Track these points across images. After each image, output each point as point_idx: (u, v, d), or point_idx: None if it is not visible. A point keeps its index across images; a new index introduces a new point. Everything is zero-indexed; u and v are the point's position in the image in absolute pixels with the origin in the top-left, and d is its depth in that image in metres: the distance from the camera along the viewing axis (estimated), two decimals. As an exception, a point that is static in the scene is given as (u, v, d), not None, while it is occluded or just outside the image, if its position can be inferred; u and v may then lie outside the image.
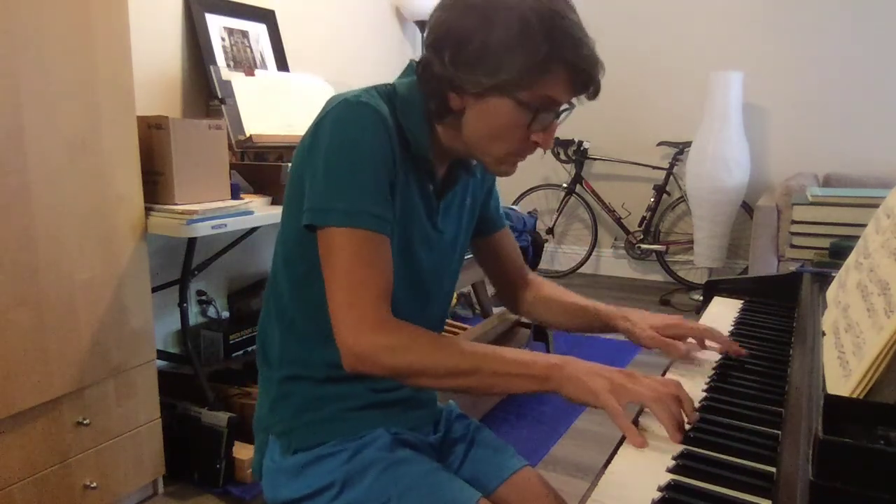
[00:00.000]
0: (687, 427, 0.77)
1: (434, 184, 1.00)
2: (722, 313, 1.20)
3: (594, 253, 4.76)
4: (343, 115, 0.88)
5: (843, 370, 0.68)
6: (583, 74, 0.88)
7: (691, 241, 4.21)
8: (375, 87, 0.94)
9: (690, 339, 1.05)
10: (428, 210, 1.00)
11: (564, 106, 0.91)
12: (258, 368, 1.06)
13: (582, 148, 4.58)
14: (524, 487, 1.03)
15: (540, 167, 4.88)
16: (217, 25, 2.47)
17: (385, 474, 0.93)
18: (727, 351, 1.00)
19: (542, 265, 4.28)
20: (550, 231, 4.75)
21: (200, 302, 2.53)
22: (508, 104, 0.87)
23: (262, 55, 2.62)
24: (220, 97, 2.30)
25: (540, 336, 2.96)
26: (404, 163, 0.93)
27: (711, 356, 1.01)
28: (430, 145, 0.96)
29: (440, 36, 0.88)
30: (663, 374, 0.95)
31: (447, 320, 3.08)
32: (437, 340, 0.87)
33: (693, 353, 1.02)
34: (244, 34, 2.57)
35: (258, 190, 2.23)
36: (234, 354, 2.47)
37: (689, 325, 1.05)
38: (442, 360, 0.85)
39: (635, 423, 0.79)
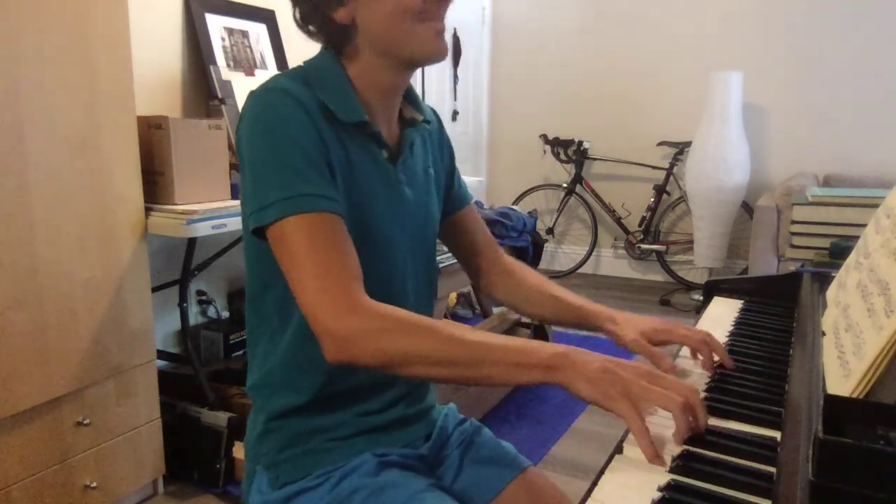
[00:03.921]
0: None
1: (387, 149, 0.93)
2: (722, 313, 1.20)
3: (594, 253, 4.76)
4: (253, 109, 0.84)
5: (843, 370, 0.68)
6: None
7: (691, 241, 4.22)
8: (285, 73, 0.90)
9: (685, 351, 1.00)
10: (387, 179, 0.93)
11: None
12: (248, 392, 1.02)
13: (582, 148, 4.59)
14: (527, 489, 0.99)
15: (540, 167, 4.89)
16: (217, 25, 2.47)
17: (368, 502, 0.88)
18: (715, 367, 0.92)
19: (542, 265, 4.28)
20: (550, 231, 4.75)
21: (200, 302, 2.53)
22: None
23: (262, 55, 2.62)
24: (220, 97, 2.30)
25: (540, 336, 2.96)
26: (339, 136, 0.87)
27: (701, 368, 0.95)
28: (359, 105, 0.89)
29: None
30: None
31: (447, 321, 3.07)
32: (431, 325, 0.79)
33: (680, 367, 0.95)
34: (244, 34, 2.57)
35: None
36: (234, 354, 2.46)
37: (681, 333, 0.96)
38: (438, 347, 0.77)
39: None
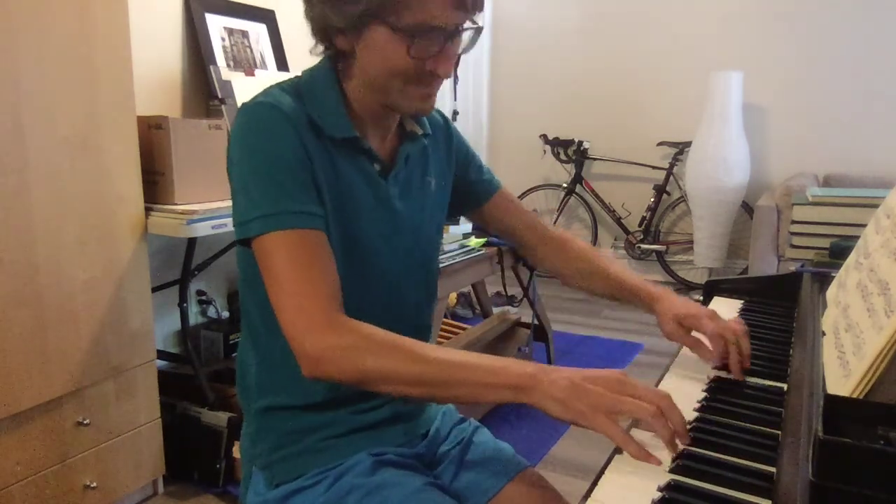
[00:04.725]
0: (680, 445, 0.72)
1: (380, 163, 0.94)
2: (722, 313, 1.19)
3: (594, 253, 4.76)
4: (242, 122, 0.85)
5: (843, 370, 0.68)
6: None
7: (691, 241, 4.22)
8: (280, 84, 0.91)
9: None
10: (376, 193, 0.93)
11: (468, 25, 0.84)
12: (238, 396, 1.02)
13: (582, 148, 4.59)
14: (525, 490, 0.99)
15: (540, 167, 4.88)
16: (217, 25, 2.47)
17: (365, 501, 0.88)
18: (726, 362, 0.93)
19: (542, 265, 4.28)
20: (550, 231, 4.74)
21: (200, 302, 2.53)
22: (385, 33, 0.82)
23: (262, 55, 2.62)
24: (220, 97, 2.30)
25: (540, 336, 2.95)
26: (327, 150, 0.88)
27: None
28: (350, 120, 0.90)
29: None
30: (664, 374, 0.95)
31: (446, 320, 3.07)
32: (402, 344, 0.80)
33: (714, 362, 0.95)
34: (244, 34, 2.57)
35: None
36: (234, 354, 2.45)
37: (710, 328, 0.95)
38: (408, 366, 0.78)
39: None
